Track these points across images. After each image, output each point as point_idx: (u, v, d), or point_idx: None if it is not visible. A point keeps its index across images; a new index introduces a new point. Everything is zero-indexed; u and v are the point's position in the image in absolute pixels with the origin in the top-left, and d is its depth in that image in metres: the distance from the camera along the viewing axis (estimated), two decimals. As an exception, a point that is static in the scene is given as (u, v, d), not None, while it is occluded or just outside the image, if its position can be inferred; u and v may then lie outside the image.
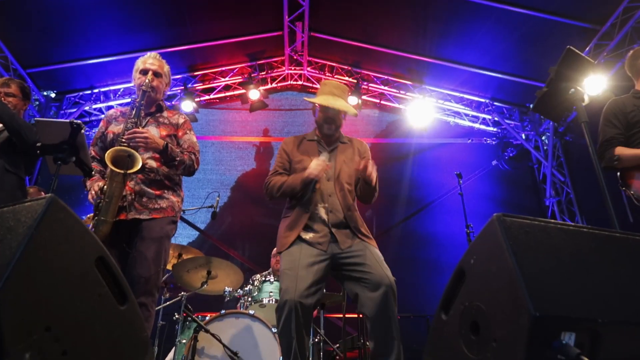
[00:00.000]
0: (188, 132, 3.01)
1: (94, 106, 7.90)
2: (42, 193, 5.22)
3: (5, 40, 6.44)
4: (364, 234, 2.71)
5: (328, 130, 2.86)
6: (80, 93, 7.84)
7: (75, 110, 7.75)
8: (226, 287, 4.37)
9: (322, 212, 2.67)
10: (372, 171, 2.62)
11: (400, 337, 2.41)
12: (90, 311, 1.28)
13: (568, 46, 2.19)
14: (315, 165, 2.62)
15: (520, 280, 1.19)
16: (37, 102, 7.53)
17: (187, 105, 7.84)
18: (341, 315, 4.38)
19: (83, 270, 1.30)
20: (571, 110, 2.34)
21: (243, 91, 8.34)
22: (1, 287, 1.09)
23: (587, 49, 6.47)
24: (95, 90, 7.85)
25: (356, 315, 4.44)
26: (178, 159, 2.79)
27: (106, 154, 2.54)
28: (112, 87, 7.90)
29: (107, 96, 7.94)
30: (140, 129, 2.66)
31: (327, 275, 2.62)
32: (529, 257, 1.26)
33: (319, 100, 2.85)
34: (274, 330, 3.75)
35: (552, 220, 1.41)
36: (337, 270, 2.65)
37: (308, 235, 2.63)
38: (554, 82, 2.24)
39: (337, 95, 2.84)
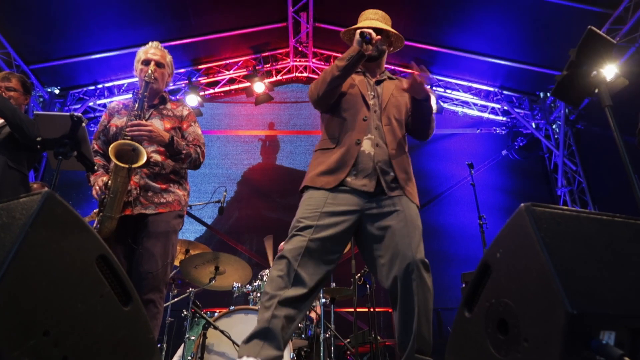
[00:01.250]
0: (193, 124, 2.93)
1: (99, 102, 7.84)
2: (47, 188, 5.17)
3: (7, 36, 6.37)
4: (407, 185, 2.26)
5: (374, 51, 2.44)
6: (84, 89, 7.77)
7: (79, 106, 7.69)
8: (235, 283, 4.30)
9: (368, 145, 2.27)
10: (422, 81, 2.21)
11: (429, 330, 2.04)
12: (92, 313, 1.21)
13: (589, 26, 2.08)
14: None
15: (554, 275, 1.10)
16: (41, 99, 7.48)
17: (192, 99, 7.76)
18: (352, 310, 4.31)
19: (83, 270, 1.22)
20: (592, 94, 2.23)
21: (248, 84, 8.23)
22: (-5, 289, 1.02)
23: (599, 34, 6.31)
24: (99, 86, 7.78)
25: (367, 310, 4.37)
26: (184, 152, 2.71)
27: (110, 148, 2.46)
28: (116, 82, 7.83)
29: (111, 91, 7.87)
30: (144, 122, 2.58)
31: (349, 238, 2.23)
32: (562, 249, 1.16)
33: (361, 24, 2.50)
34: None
35: (584, 210, 1.31)
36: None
37: (351, 178, 2.22)
38: (575, 65, 2.13)
39: (376, 19, 2.52)
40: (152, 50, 2.85)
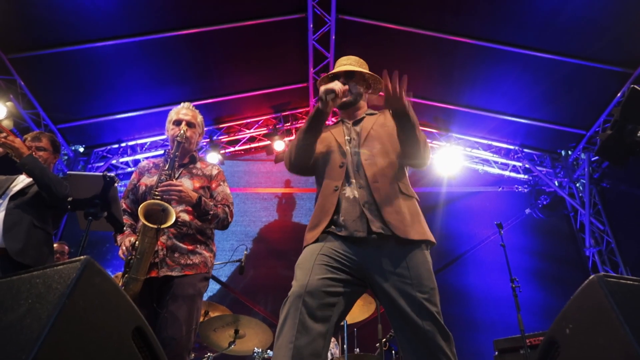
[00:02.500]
0: (222, 183, 2.90)
1: (121, 160, 7.94)
2: (66, 247, 5.13)
3: (38, 97, 6.56)
4: (402, 224, 2.01)
5: (343, 97, 2.32)
6: (108, 147, 7.91)
7: (102, 164, 7.79)
8: (255, 348, 4.12)
9: (353, 189, 2.12)
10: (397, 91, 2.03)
11: None
12: (126, 392, 1.11)
13: (632, 86, 2.04)
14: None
15: (642, 357, 0.98)
16: (66, 157, 7.60)
17: (213, 157, 7.82)
18: (378, 378, 4.07)
19: (119, 343, 1.13)
20: (638, 154, 2.16)
21: (268, 142, 8.33)
22: (27, 367, 0.93)
23: (620, 93, 6.33)
24: (123, 144, 7.92)
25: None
26: (212, 212, 2.67)
27: (139, 208, 2.43)
28: (139, 141, 7.96)
29: (134, 150, 7.99)
30: (174, 182, 2.55)
31: (353, 292, 2.00)
32: (645, 327, 1.05)
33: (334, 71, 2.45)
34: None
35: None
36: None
37: (336, 227, 2.06)
38: (619, 125, 2.07)
39: (348, 64, 2.45)
40: (183, 110, 2.88)
